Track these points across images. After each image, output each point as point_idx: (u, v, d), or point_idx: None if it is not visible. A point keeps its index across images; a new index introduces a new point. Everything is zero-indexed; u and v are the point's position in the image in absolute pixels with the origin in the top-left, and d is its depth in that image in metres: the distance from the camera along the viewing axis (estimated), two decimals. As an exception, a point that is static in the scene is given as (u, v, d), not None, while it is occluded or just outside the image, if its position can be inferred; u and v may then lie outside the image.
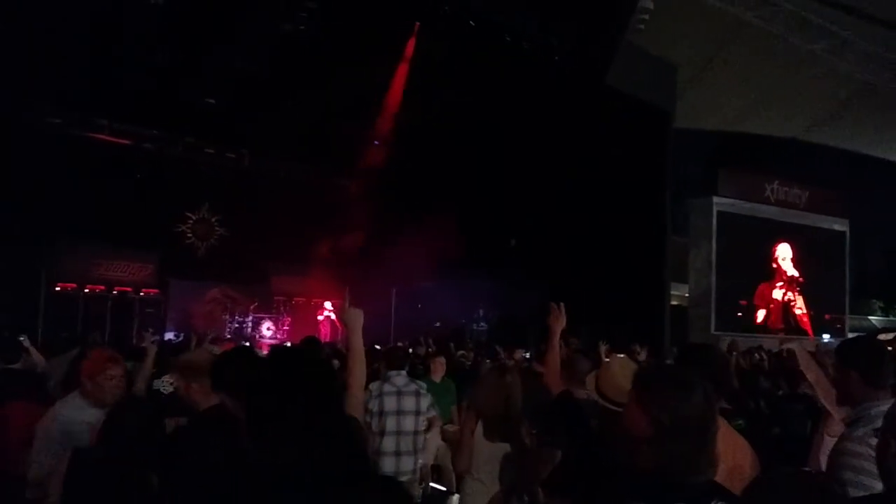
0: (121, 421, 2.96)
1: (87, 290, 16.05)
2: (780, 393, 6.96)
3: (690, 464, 1.87)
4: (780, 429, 5.39)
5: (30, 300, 14.29)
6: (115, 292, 16.43)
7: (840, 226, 22.87)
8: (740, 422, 3.57)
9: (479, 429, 4.22)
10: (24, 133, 13.97)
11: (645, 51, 15.52)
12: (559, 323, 3.86)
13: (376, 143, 18.19)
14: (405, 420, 5.68)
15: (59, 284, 15.65)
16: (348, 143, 17.48)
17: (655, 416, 1.95)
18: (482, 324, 18.96)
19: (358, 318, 3.13)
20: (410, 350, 10.52)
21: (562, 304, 3.84)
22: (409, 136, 16.64)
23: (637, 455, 1.94)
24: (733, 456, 2.60)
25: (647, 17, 14.75)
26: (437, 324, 18.48)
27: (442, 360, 7.57)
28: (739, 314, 20.18)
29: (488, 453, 4.17)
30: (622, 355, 3.68)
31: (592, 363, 4.81)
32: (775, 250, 21.24)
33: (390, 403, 5.66)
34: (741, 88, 18.29)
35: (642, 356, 7.41)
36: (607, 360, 3.85)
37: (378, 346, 10.60)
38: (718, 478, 1.98)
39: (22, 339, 6.01)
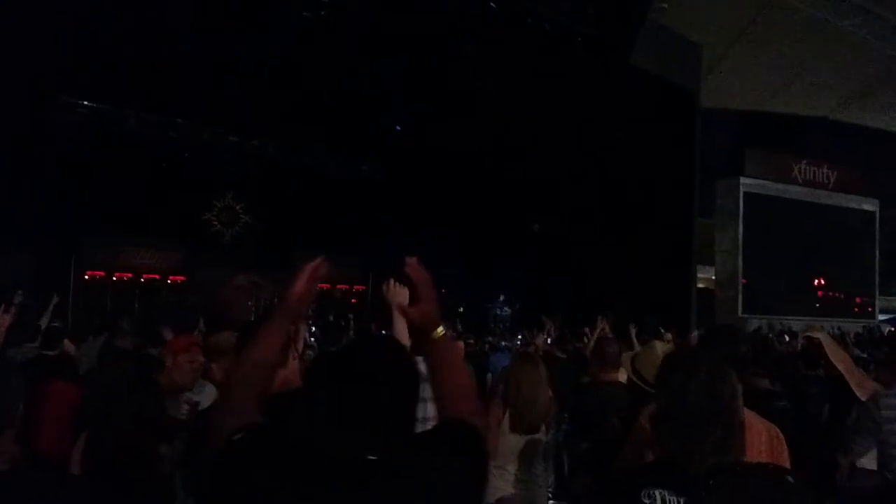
0: (119, 401, 2.99)
1: (115, 278, 16.27)
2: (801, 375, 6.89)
3: (693, 449, 1.82)
4: (795, 409, 5.36)
5: (60, 288, 14.48)
6: (142, 280, 16.64)
7: (869, 205, 22.49)
8: (784, 402, 3.52)
9: (506, 419, 4.18)
10: (53, 123, 14.13)
11: (669, 30, 15.31)
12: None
13: (398, 128, 18.18)
14: (429, 407, 5.64)
15: (87, 273, 15.86)
16: (371, 130, 17.47)
17: (659, 400, 1.93)
18: (506, 309, 18.95)
19: (402, 296, 2.89)
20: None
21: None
22: (432, 122, 16.59)
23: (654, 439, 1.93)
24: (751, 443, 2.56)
25: (670, -5, 14.58)
26: (461, 309, 18.49)
27: (461, 344, 7.57)
28: (768, 297, 19.96)
29: (514, 444, 4.16)
30: (661, 341, 3.64)
31: (621, 347, 4.81)
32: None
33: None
34: (768, 67, 17.99)
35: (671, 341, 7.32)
36: (650, 342, 3.81)
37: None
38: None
39: (56, 324, 6.11)
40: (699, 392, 1.84)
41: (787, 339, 10.03)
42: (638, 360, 3.47)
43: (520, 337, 10.39)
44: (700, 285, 18.72)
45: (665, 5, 14.67)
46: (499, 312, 18.89)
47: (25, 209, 13.12)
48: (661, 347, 3.51)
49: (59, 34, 11.71)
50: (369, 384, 1.55)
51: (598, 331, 6.33)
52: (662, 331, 8.70)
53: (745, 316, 18.42)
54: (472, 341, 11.69)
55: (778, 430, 2.66)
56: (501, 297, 18.99)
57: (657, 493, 1.80)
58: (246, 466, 1.49)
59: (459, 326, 14.27)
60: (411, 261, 1.88)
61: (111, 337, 6.78)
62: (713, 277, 20.17)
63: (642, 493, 1.81)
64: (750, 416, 2.52)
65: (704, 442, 1.81)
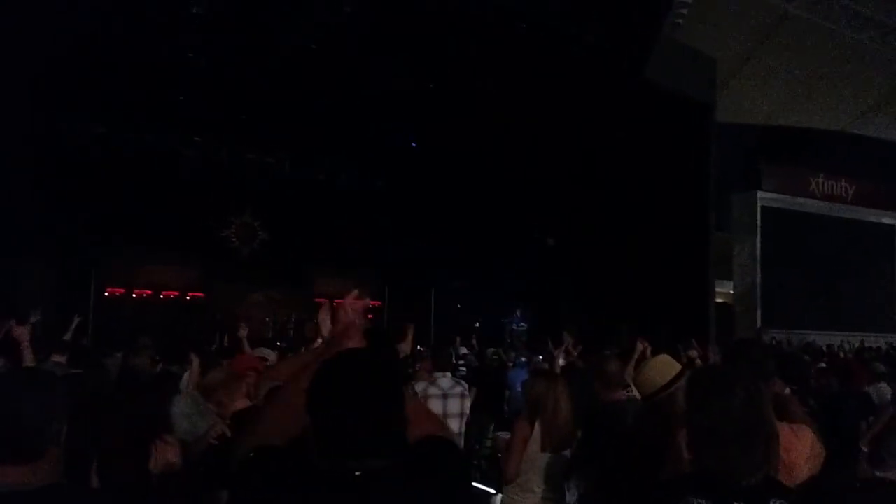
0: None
1: (134, 295, 16.40)
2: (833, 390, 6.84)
3: (733, 466, 1.83)
4: (829, 424, 5.32)
5: (80, 305, 14.63)
6: (161, 297, 16.76)
7: (889, 219, 22.33)
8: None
9: (537, 438, 4.08)
10: (72, 141, 14.32)
11: (684, 44, 15.32)
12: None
13: (413, 144, 18.24)
14: (451, 423, 5.59)
15: (108, 289, 16.00)
16: (386, 146, 17.56)
17: (694, 418, 1.95)
18: (522, 324, 18.90)
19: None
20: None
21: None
22: (447, 135, 16.63)
23: (691, 455, 1.95)
24: (787, 453, 2.56)
25: (684, 10, 14.61)
26: (477, 324, 18.47)
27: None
28: (787, 311, 19.81)
29: (542, 462, 4.08)
30: (664, 355, 3.54)
31: (623, 364, 4.69)
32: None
33: (436, 406, 5.53)
34: (784, 80, 17.96)
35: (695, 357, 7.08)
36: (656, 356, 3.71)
37: (421, 347, 10.57)
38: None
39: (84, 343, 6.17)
40: (743, 409, 1.87)
41: (807, 358, 9.88)
42: (637, 377, 3.42)
43: (540, 356, 10.31)
44: (718, 300, 18.60)
45: (680, 20, 14.71)
46: (515, 327, 18.83)
47: (45, 226, 13.28)
48: (657, 362, 3.41)
49: (76, 54, 11.85)
50: (359, 400, 1.54)
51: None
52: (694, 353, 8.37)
53: (764, 330, 18.28)
54: (496, 356, 11.67)
55: (812, 434, 2.68)
56: (518, 313, 18.95)
57: (696, 502, 1.82)
58: (251, 484, 1.59)
59: (475, 342, 14.33)
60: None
61: (130, 353, 6.83)
62: (731, 292, 20.04)
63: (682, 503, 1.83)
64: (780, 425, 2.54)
65: (751, 457, 1.83)
